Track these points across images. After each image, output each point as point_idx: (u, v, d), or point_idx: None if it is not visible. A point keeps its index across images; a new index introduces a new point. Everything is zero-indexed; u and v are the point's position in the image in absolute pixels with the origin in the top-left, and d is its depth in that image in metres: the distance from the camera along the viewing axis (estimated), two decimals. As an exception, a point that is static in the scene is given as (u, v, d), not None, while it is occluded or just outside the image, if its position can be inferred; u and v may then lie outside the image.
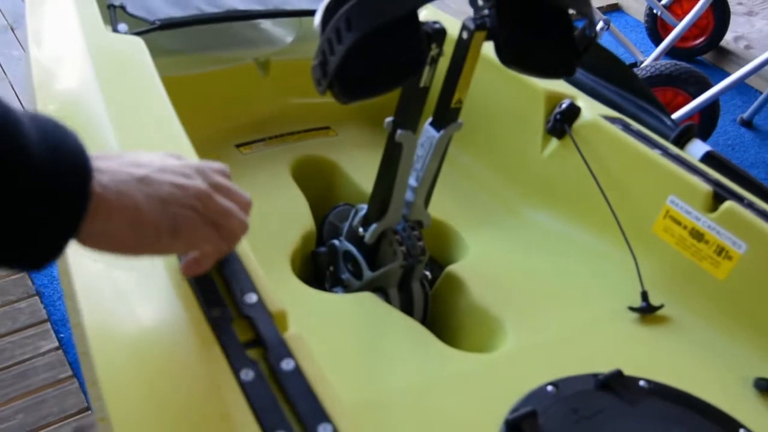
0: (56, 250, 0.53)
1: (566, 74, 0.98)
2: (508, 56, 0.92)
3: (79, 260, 0.80)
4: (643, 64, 2.32)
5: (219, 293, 0.68)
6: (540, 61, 0.95)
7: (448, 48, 0.92)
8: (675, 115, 2.07)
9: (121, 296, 0.76)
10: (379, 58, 0.82)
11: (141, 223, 0.57)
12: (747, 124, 2.61)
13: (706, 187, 1.03)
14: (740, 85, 2.67)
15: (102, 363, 0.69)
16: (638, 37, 2.99)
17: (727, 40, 2.92)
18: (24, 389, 1.50)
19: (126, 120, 0.90)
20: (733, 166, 1.15)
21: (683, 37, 2.77)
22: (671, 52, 2.82)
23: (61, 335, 1.62)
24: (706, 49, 2.91)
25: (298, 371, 0.63)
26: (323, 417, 0.59)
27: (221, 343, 0.64)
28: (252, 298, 0.68)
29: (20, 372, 1.52)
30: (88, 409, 1.47)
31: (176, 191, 0.59)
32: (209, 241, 0.63)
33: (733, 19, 2.93)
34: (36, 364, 1.54)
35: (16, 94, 2.29)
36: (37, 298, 1.68)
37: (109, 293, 0.78)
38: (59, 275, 0.98)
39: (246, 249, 0.73)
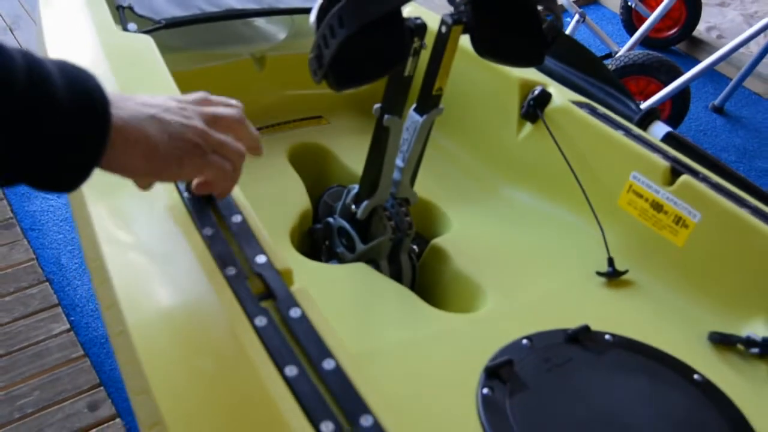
0: (85, 174, 0.63)
1: (536, 63, 1.08)
2: (483, 48, 1.03)
3: (111, 248, 0.90)
4: (617, 55, 2.42)
5: (234, 255, 0.79)
6: (512, 51, 1.05)
7: (430, 41, 1.02)
8: (647, 102, 2.18)
9: (149, 268, 0.87)
10: (367, 51, 0.93)
11: (154, 152, 0.67)
12: (718, 110, 2.72)
13: (665, 163, 1.13)
14: (712, 73, 2.79)
15: (138, 334, 0.80)
16: (615, 28, 3.10)
17: (700, 30, 3.04)
18: (39, 368, 1.59)
19: None
20: (691, 144, 1.26)
21: (658, 28, 2.88)
22: (647, 43, 2.93)
23: (72, 318, 1.72)
24: (679, 40, 3.02)
25: (304, 317, 0.73)
26: (327, 353, 0.70)
27: (237, 297, 0.75)
28: (261, 258, 0.79)
29: (35, 352, 1.61)
30: (100, 385, 1.57)
31: (181, 129, 0.69)
32: (212, 167, 0.73)
33: (705, 10, 3.05)
34: (49, 345, 1.64)
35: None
36: (47, 284, 1.77)
37: (138, 269, 0.88)
38: (87, 263, 1.08)
39: (255, 219, 0.83)
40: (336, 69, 0.91)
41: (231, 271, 0.77)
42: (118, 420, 1.52)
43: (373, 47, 0.93)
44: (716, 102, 2.73)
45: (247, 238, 0.81)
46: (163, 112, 0.69)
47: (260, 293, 0.76)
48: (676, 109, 2.36)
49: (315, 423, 0.65)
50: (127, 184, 0.72)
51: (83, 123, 0.60)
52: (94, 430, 1.49)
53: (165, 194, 0.87)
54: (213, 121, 0.74)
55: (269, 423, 0.66)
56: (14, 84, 0.55)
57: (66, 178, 0.62)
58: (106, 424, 1.50)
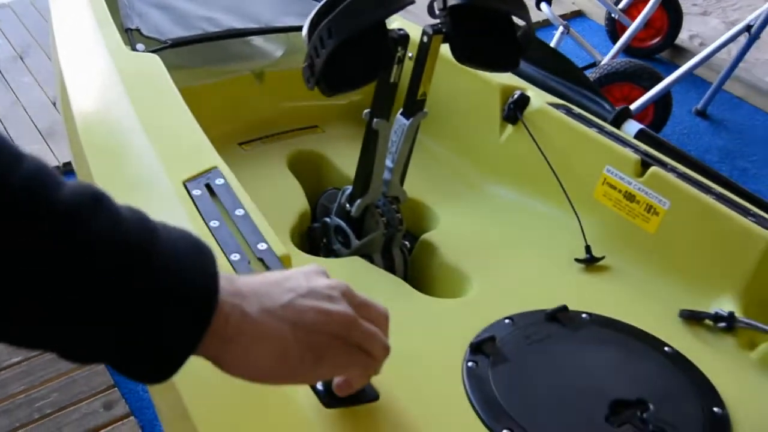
0: (172, 368, 0.53)
1: (512, 67, 1.18)
2: (462, 55, 1.12)
3: None
4: (601, 63, 2.52)
5: (237, 242, 0.88)
6: (489, 57, 1.15)
7: (414, 50, 1.12)
8: (631, 107, 2.27)
9: None
10: (354, 59, 1.03)
11: (284, 352, 0.56)
12: (701, 114, 2.82)
13: (636, 157, 1.22)
14: (695, 79, 2.89)
15: None
16: (600, 39, 3.19)
17: (683, 38, 3.14)
18: (56, 372, 1.68)
19: (156, 126, 1.10)
20: (660, 139, 1.35)
21: (641, 37, 2.98)
22: (632, 52, 3.03)
23: (86, 326, 1.80)
24: (662, 48, 3.12)
25: None
26: None
27: None
28: (263, 246, 0.88)
29: (52, 357, 1.68)
30: (114, 386, 1.66)
31: (321, 318, 0.58)
32: (353, 365, 0.62)
33: (688, 18, 3.15)
34: (66, 351, 1.72)
35: (29, 116, 2.47)
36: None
37: None
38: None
39: (256, 211, 0.92)
40: (327, 76, 1.01)
41: (235, 257, 0.86)
42: (131, 418, 1.60)
43: (360, 56, 1.03)
44: (699, 106, 2.83)
45: (250, 229, 0.90)
46: (300, 297, 0.58)
47: None
48: (658, 113, 2.45)
49: None
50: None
51: (177, 307, 0.52)
52: (110, 427, 1.58)
53: (172, 187, 0.96)
54: (360, 306, 0.63)
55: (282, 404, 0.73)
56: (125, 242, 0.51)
57: (150, 369, 0.53)
58: (120, 422, 1.59)
